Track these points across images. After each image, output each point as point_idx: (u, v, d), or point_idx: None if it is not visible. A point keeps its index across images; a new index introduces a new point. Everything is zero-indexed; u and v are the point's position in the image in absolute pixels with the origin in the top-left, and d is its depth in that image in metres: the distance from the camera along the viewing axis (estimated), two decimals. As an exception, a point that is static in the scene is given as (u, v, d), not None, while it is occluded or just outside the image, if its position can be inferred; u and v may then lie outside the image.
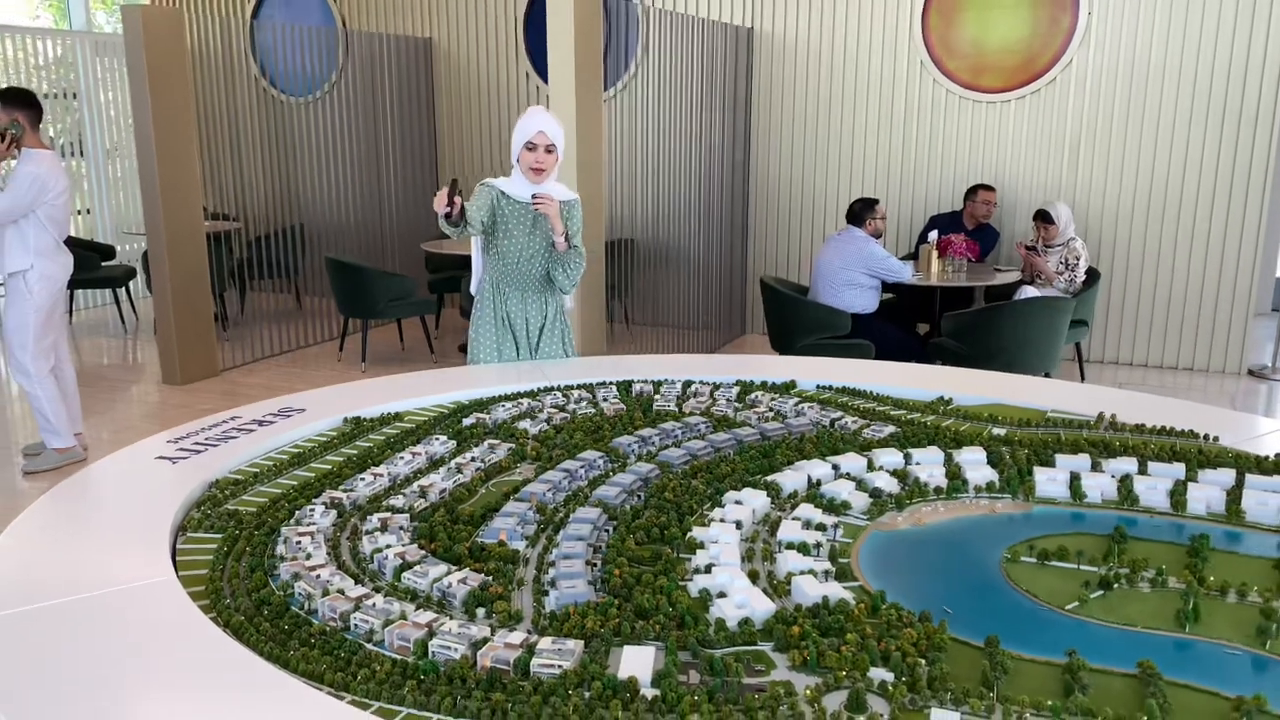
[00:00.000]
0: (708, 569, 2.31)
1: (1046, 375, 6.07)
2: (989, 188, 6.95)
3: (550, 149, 4.15)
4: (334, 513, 2.68)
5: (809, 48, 8.68)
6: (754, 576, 2.28)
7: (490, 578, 2.28)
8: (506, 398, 3.83)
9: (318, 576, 2.27)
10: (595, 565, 2.37)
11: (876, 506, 2.70)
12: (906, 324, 7.46)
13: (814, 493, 2.77)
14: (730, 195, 8.93)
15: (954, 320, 6.54)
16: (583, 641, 1.98)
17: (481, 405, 3.73)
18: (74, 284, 9.82)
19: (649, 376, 4.06)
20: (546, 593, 2.25)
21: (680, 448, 3.14)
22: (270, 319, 9.45)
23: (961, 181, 8.39)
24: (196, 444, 3.31)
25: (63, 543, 2.53)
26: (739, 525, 2.54)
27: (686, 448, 3.13)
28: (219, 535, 2.60)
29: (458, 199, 3.97)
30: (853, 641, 1.96)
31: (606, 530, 2.57)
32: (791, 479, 2.83)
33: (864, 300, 6.70)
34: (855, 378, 4.02)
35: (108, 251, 10.38)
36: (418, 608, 2.16)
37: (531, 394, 3.87)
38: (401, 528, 2.58)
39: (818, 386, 3.96)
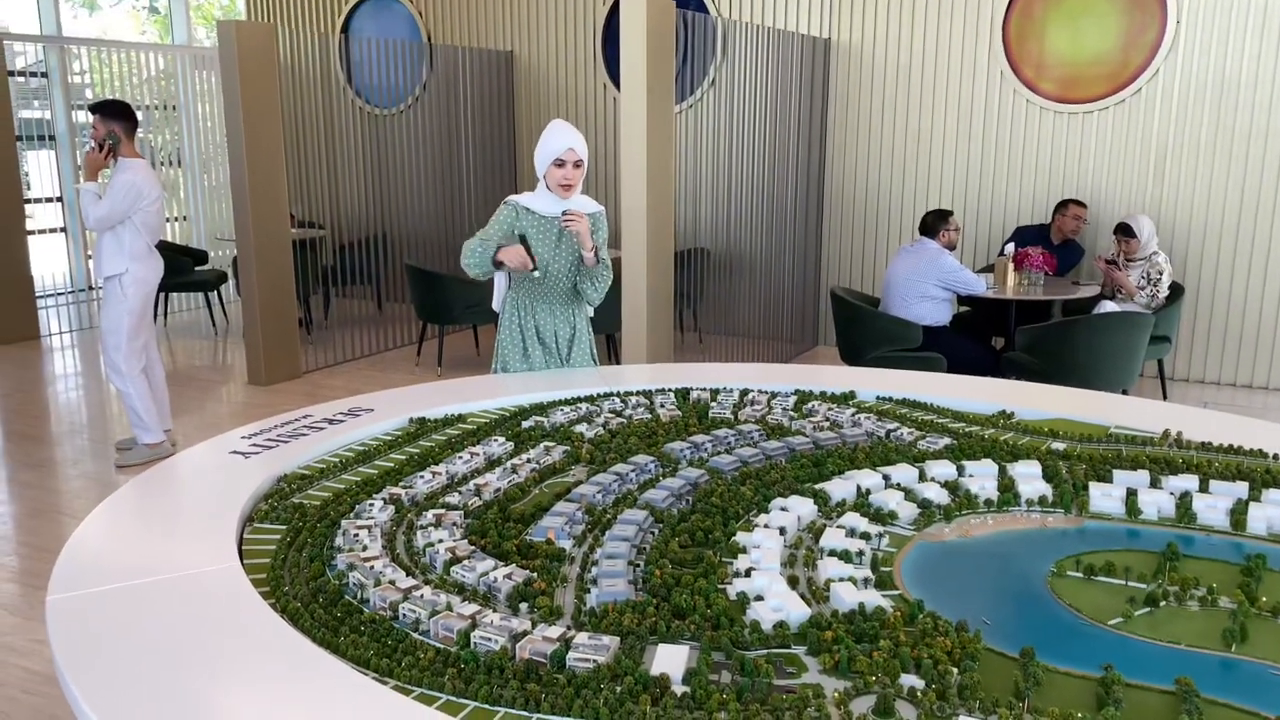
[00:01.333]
0: (747, 573, 2.34)
1: (1124, 393, 5.93)
2: (1080, 203, 6.82)
3: (578, 164, 4.22)
4: (392, 508, 2.78)
5: (887, 58, 8.62)
6: (793, 582, 2.30)
7: (535, 574, 2.35)
8: (566, 402, 3.91)
9: (371, 568, 2.36)
10: (638, 565, 2.41)
11: (924, 517, 2.70)
12: (981, 338, 7.35)
13: (862, 502, 2.78)
14: (805, 206, 8.92)
15: (1028, 334, 6.42)
16: (618, 638, 2.03)
17: (542, 409, 3.81)
18: (168, 287, 10.28)
19: (709, 384, 4.10)
20: (588, 590, 2.30)
21: (732, 454, 3.18)
22: (353, 324, 9.74)
23: (1042, 193, 8.24)
24: (269, 440, 3.45)
25: (140, 530, 2.68)
26: (783, 531, 2.57)
27: (738, 454, 3.16)
28: (283, 526, 2.72)
29: (534, 258, 4.16)
30: (885, 648, 1.97)
31: (651, 532, 2.62)
32: (840, 488, 2.84)
33: (936, 313, 6.63)
34: (916, 389, 3.99)
35: (201, 256, 10.82)
36: (464, 600, 2.23)
37: (591, 399, 3.94)
38: (455, 524, 2.66)
39: (877, 398, 3.95)
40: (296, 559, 2.52)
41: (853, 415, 3.62)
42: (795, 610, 2.11)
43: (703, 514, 2.70)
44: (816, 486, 2.86)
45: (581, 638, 2.01)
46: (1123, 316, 6.25)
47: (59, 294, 11.12)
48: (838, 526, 2.57)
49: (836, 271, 9.41)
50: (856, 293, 7.12)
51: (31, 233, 10.09)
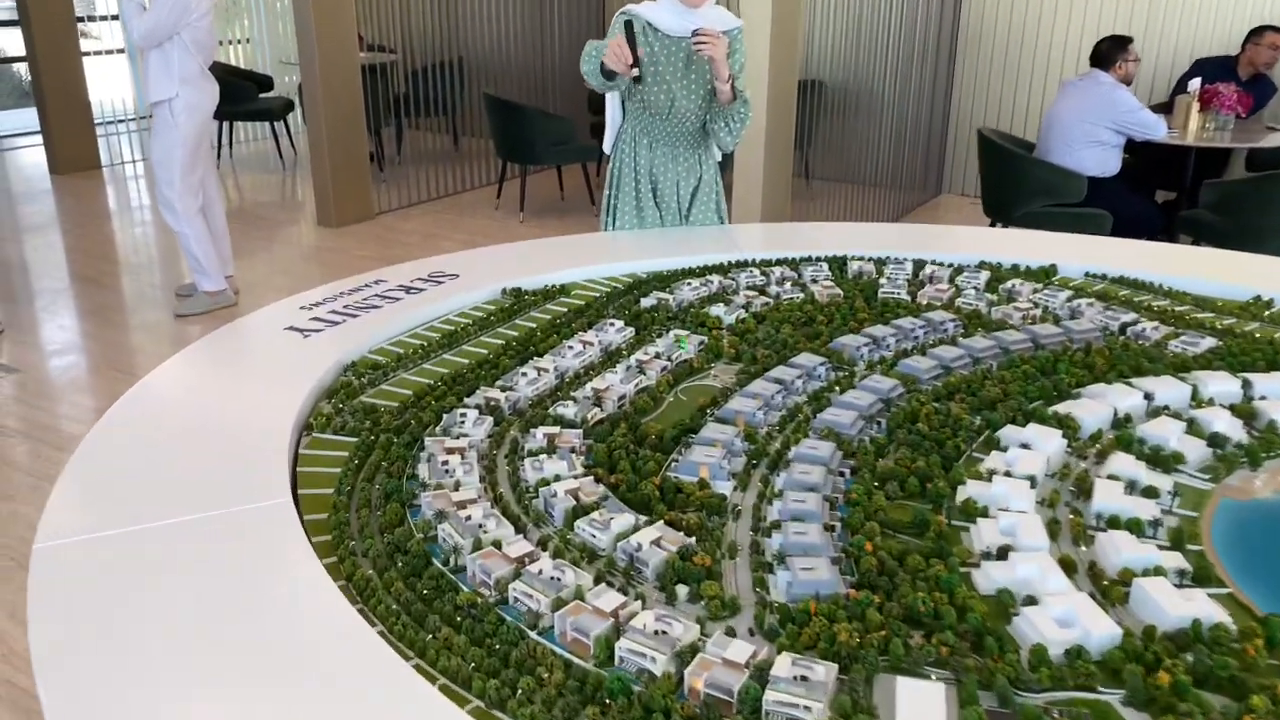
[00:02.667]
0: (1001, 554, 1.62)
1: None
2: (1278, 30, 5.62)
3: None
4: (489, 420, 2.11)
5: None
6: (1068, 567, 1.58)
7: (693, 539, 1.66)
8: (690, 273, 3.16)
9: (468, 518, 1.70)
10: (834, 530, 1.71)
11: (1222, 462, 1.93)
12: (1145, 191, 6.33)
13: (1126, 435, 2.02)
14: (936, 36, 7.75)
15: (1217, 190, 5.41)
16: (836, 665, 1.34)
17: (662, 281, 3.07)
18: (230, 116, 9.57)
19: (861, 249, 3.30)
20: (770, 568, 1.61)
21: (926, 355, 2.42)
22: (427, 160, 8.99)
23: (1228, 20, 6.96)
24: (333, 313, 2.79)
25: (155, 450, 2.05)
26: (1033, 483, 1.83)
27: (934, 356, 2.40)
28: (350, 440, 2.07)
29: (640, 51, 3.24)
30: (1261, 708, 1.25)
31: (843, 475, 1.90)
32: (1091, 411, 2.08)
33: (1104, 161, 5.63)
34: (1130, 263, 3.16)
35: (265, 82, 10.05)
36: (596, 579, 1.57)
37: (722, 269, 3.17)
38: (573, 450, 1.98)
39: (1086, 274, 3.12)
40: (367, 493, 1.88)
41: (1068, 300, 2.81)
42: (1096, 628, 1.40)
43: (909, 448, 1.98)
44: (1057, 410, 2.10)
45: (782, 665, 1.33)
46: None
47: (121, 120, 10.50)
48: (1108, 477, 1.82)
49: (970, 111, 8.30)
50: (1007, 135, 6.11)
51: (88, 54, 9.40)
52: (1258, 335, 2.55)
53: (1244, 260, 3.37)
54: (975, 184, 8.31)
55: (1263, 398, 2.18)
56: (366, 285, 3.04)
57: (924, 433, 2.03)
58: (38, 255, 6.90)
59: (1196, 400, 2.19)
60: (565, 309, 2.88)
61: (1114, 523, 1.71)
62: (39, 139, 9.18)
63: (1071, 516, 1.75)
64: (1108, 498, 1.76)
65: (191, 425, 2.13)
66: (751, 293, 2.90)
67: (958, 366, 2.38)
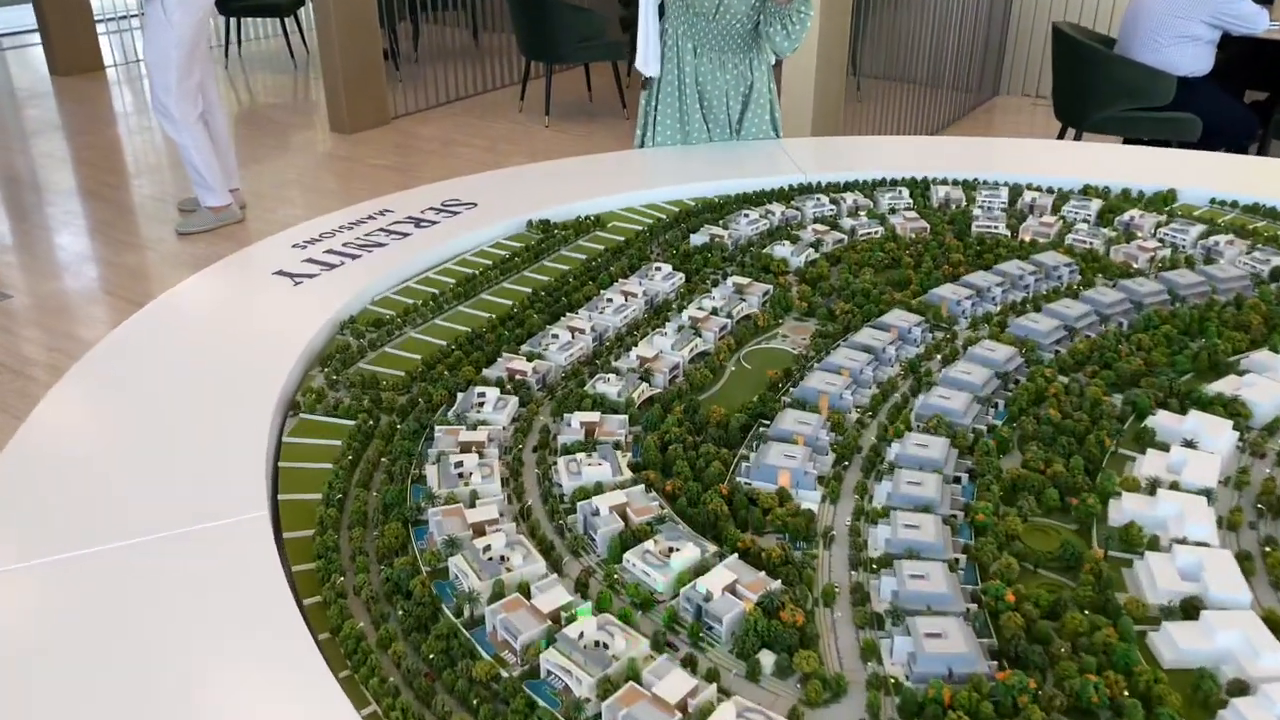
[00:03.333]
0: (1188, 610, 1.22)
1: None
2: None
3: None
4: (513, 401, 1.72)
5: None
6: (1274, 623, 1.19)
7: (778, 583, 1.28)
8: (746, 201, 2.71)
9: (486, 549, 1.32)
10: (958, 566, 1.32)
11: None
12: (1233, 92, 5.72)
13: (1315, 427, 1.59)
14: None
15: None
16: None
17: (714, 212, 2.63)
18: (236, 11, 9.00)
19: (935, 168, 2.83)
20: (881, 623, 1.23)
21: (1042, 312, 1.98)
22: (446, 58, 8.41)
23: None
24: (330, 253, 2.39)
25: (99, 441, 1.67)
26: (1209, 497, 1.42)
27: (1053, 313, 1.97)
28: (345, 423, 1.69)
29: None
30: None
31: (958, 481, 1.50)
32: (1263, 392, 1.67)
33: (1196, 59, 5.03)
34: (1261, 187, 2.68)
35: (274, -25, 9.39)
36: (654, 642, 1.19)
37: (784, 195, 2.73)
38: (618, 446, 1.59)
39: (1212, 201, 2.65)
40: (362, 501, 1.51)
41: (1201, 237, 2.35)
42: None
43: (1040, 444, 1.57)
44: (1220, 390, 1.68)
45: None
46: None
47: (124, 17, 9.93)
48: (1307, 490, 1.41)
49: (1035, 4, 7.59)
50: (1085, 30, 5.49)
51: (84, -55, 8.80)
52: None
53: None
54: (1036, 83, 7.67)
55: None
56: (370, 217, 2.63)
57: (1055, 421, 1.62)
58: (36, 165, 6.49)
59: (1391, 377, 1.75)
60: (601, 246, 2.46)
61: (1326, 557, 1.30)
62: (38, 38, 8.67)
63: (1268, 550, 1.34)
64: (1312, 522, 1.34)
65: (150, 407, 1.75)
66: (821, 227, 2.46)
67: (1083, 327, 1.95)
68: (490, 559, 1.33)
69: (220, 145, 5.39)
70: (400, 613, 1.30)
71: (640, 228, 2.56)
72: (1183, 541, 1.35)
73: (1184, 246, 2.33)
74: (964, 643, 1.18)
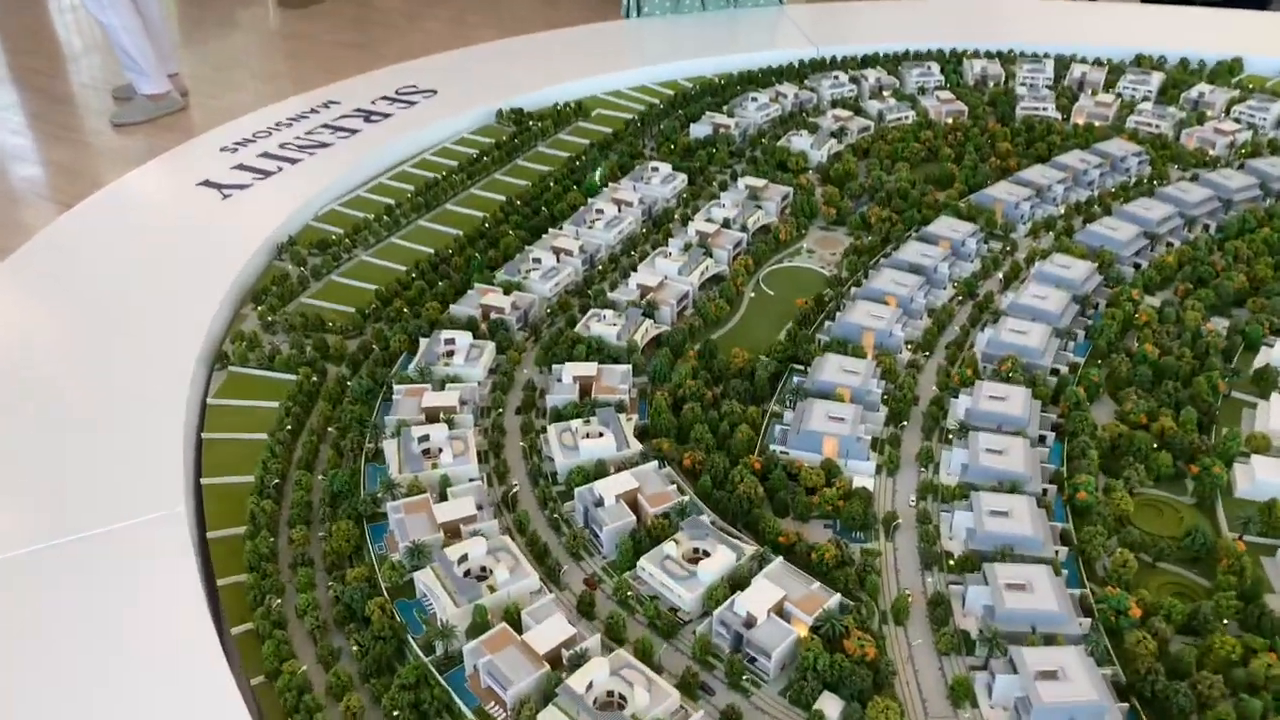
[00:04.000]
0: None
1: None
2: None
3: None
4: (489, 347, 1.40)
5: None
6: None
7: (835, 597, 1.00)
8: (752, 80, 2.34)
9: (462, 560, 1.03)
10: (1060, 565, 1.04)
11: None
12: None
13: None
14: None
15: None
16: None
17: (714, 94, 2.26)
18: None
19: (964, 37, 2.46)
20: (971, 648, 0.96)
21: (1115, 215, 1.67)
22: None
23: None
24: (265, 156, 2.02)
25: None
26: (1363, 464, 1.14)
27: (1128, 216, 1.66)
28: (284, 378, 1.38)
29: None
30: None
31: (1043, 441, 1.22)
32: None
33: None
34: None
35: None
36: (682, 684, 0.92)
37: (796, 74, 2.35)
38: (620, 407, 1.28)
39: (1284, 71, 2.31)
40: (306, 485, 1.21)
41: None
42: None
43: (1139, 388, 1.28)
44: (1350, 315, 1.38)
45: None
46: None
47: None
48: None
49: None
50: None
51: None
52: None
53: None
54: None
55: None
56: (312, 110, 2.25)
57: (1152, 360, 1.33)
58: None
59: None
60: (586, 140, 2.10)
61: None
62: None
63: None
64: None
65: (40, 363, 1.42)
66: (843, 113, 2.10)
67: (1165, 233, 1.64)
68: (468, 573, 1.04)
69: (153, 25, 4.84)
70: (355, 648, 1.01)
71: (630, 116, 2.20)
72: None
73: (1264, 128, 2.00)
74: (1088, 683, 0.90)
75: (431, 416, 1.29)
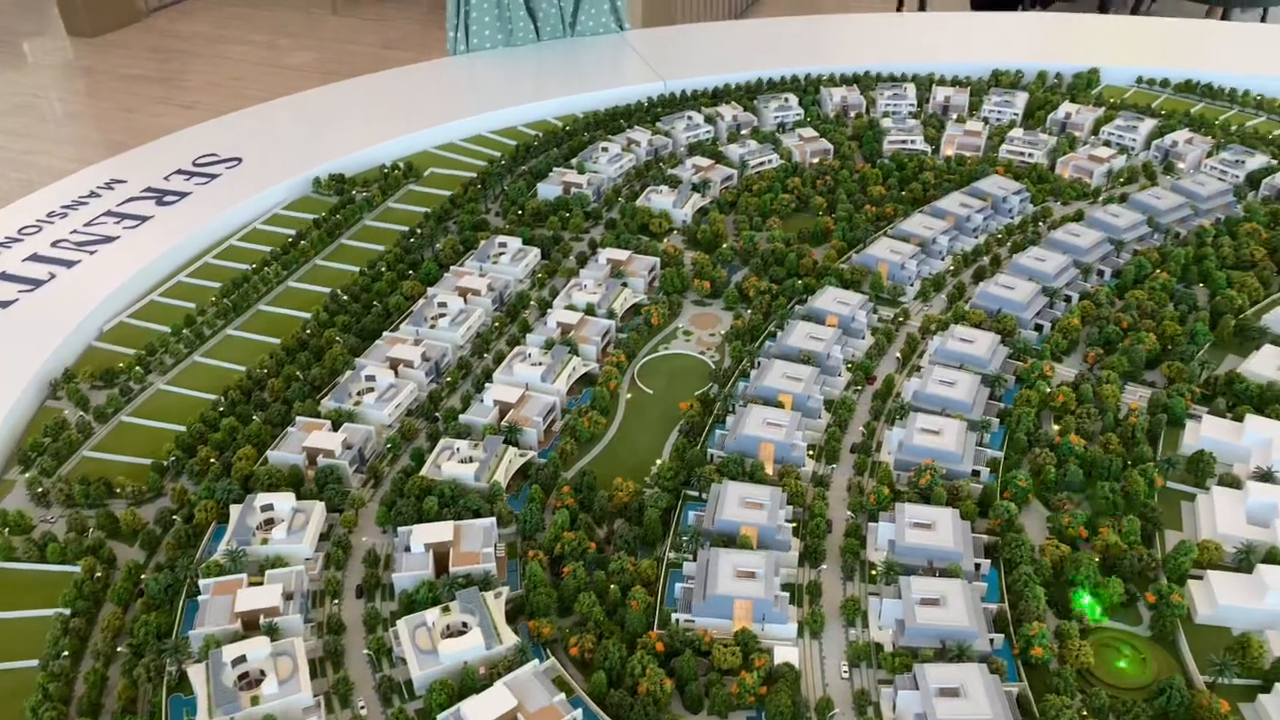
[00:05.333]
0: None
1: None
2: None
3: None
4: (318, 510, 1.16)
5: None
6: None
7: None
8: (598, 123, 2.14)
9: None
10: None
11: None
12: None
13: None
14: None
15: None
16: None
17: (560, 142, 2.05)
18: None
19: (818, 60, 2.32)
20: None
21: (1008, 267, 1.54)
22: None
23: None
24: (35, 259, 1.71)
25: None
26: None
27: (1022, 269, 1.54)
28: (62, 570, 1.12)
29: None
30: None
31: (978, 568, 1.07)
32: (1321, 376, 1.27)
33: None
34: (1175, 57, 2.33)
35: None
36: None
37: (649, 114, 2.17)
38: (486, 582, 1.07)
39: (1139, 80, 2.28)
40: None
41: (1152, 134, 1.96)
42: None
43: (1070, 495, 1.15)
44: (1256, 371, 1.30)
45: None
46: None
47: None
48: None
49: None
50: None
51: None
52: None
53: (1267, 31, 2.57)
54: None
55: None
56: (93, 194, 1.93)
57: (1077, 451, 1.19)
58: None
59: None
60: (421, 209, 1.86)
61: None
62: None
63: None
64: None
65: None
66: (703, 161, 1.92)
67: (1062, 285, 1.52)
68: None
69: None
70: None
71: (469, 175, 1.97)
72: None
73: (1135, 149, 1.92)
74: None
75: (249, 622, 1.03)
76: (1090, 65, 2.34)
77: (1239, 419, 1.23)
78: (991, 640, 1.01)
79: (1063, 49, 2.40)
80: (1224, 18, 4.46)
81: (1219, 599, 1.06)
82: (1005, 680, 0.97)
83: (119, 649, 1.08)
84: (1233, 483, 1.16)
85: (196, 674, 1.04)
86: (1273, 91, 2.15)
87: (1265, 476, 1.15)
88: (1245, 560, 1.06)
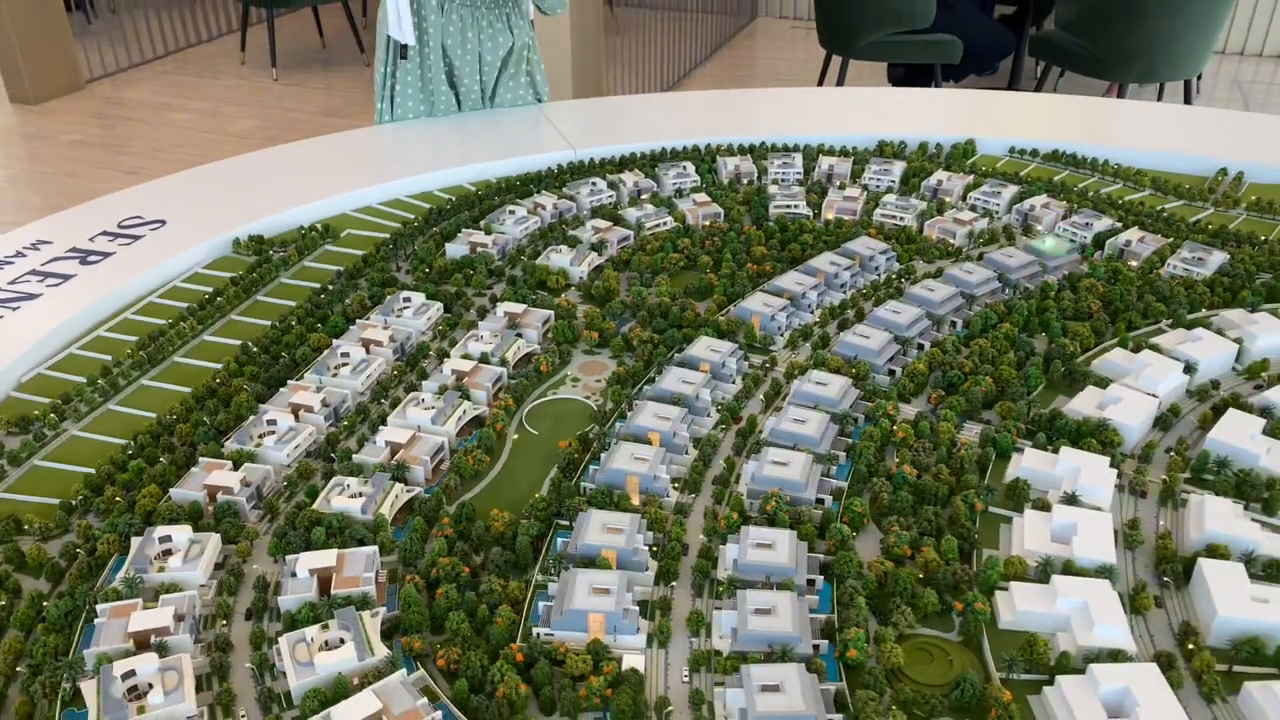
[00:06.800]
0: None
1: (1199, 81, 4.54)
2: None
3: None
4: (214, 540, 1.24)
5: None
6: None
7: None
8: (509, 188, 2.28)
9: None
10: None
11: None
12: (984, 8, 5.73)
13: (1201, 459, 1.38)
14: None
15: (1075, 7, 4.83)
16: None
17: (471, 207, 2.18)
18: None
19: (720, 131, 2.49)
20: None
21: (868, 321, 1.69)
22: (149, 6, 7.30)
23: None
24: (-39, 312, 1.78)
25: None
26: (1111, 577, 1.16)
27: (880, 320, 1.68)
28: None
29: None
30: None
31: (812, 584, 1.18)
32: (1129, 411, 1.43)
33: (952, -20, 4.94)
34: (1055, 131, 2.53)
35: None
36: None
37: (555, 180, 2.30)
38: (364, 602, 1.15)
39: (1011, 150, 2.46)
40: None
41: (1014, 199, 2.13)
42: None
43: (897, 517, 1.27)
44: (1083, 413, 1.44)
45: None
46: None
47: None
48: (1209, 550, 1.19)
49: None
50: (843, -47, 5.28)
51: None
52: (1265, 240, 1.96)
53: (1168, 114, 2.81)
54: (794, 5, 7.54)
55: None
56: (19, 254, 2.01)
57: (912, 480, 1.32)
58: None
59: (1250, 369, 1.57)
60: (334, 267, 1.97)
61: (1256, 651, 1.06)
62: None
63: (1191, 647, 1.09)
64: (1230, 601, 1.11)
65: None
66: (602, 223, 2.06)
67: (914, 335, 1.66)
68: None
69: None
70: None
71: (383, 236, 2.08)
72: (1096, 656, 1.07)
73: (999, 213, 2.10)
74: None
75: (141, 641, 1.11)
76: (968, 136, 2.52)
77: (1056, 451, 1.37)
78: (817, 646, 1.11)
79: (944, 121, 2.58)
80: (1120, 95, 4.77)
81: (1018, 606, 1.17)
82: (825, 680, 1.07)
83: (18, 669, 1.15)
84: (1044, 506, 1.28)
85: (88, 688, 1.11)
86: (1128, 161, 2.34)
87: (1070, 500, 1.28)
88: (1044, 572, 1.19)
